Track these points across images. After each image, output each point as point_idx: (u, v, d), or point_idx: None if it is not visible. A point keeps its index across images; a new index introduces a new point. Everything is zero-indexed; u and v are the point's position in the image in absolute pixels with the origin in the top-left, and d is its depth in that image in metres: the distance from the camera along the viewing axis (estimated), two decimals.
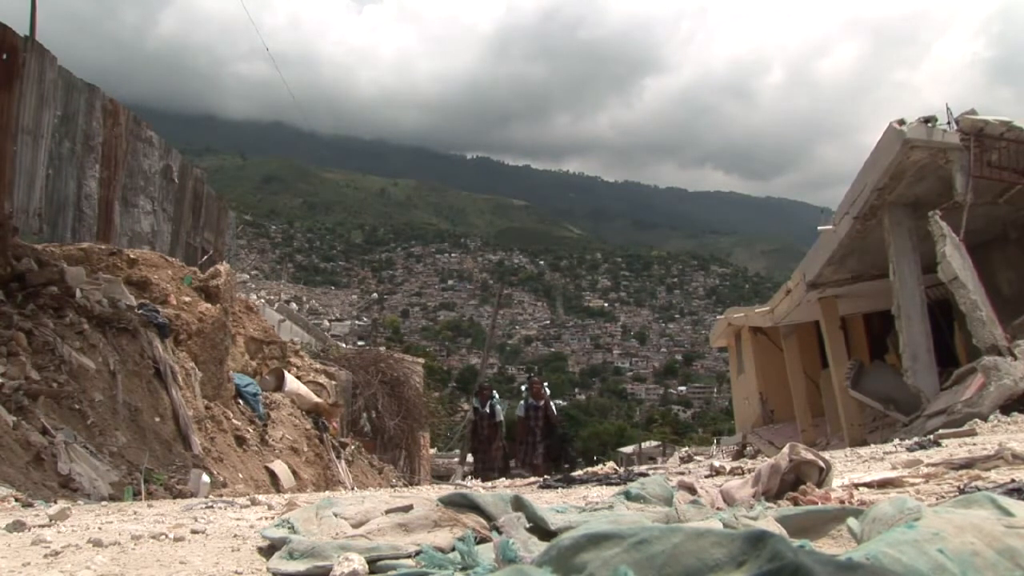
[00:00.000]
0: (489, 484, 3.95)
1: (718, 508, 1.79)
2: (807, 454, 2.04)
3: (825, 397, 13.78)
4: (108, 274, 6.84)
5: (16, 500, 3.21)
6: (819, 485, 1.99)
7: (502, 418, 11.38)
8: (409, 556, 1.44)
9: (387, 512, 1.76)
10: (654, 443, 47.66)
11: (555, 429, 11.03)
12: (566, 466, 11.15)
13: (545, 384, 11.62)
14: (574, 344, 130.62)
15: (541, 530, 1.54)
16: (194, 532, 1.97)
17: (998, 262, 10.27)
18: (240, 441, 6.97)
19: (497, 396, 11.95)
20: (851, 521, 1.35)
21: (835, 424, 13.01)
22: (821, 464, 2.04)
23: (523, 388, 11.88)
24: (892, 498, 1.43)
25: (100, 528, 2.13)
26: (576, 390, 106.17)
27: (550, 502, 2.32)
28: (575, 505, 2.06)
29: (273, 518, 2.21)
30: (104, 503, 3.57)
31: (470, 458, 13.92)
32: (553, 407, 11.28)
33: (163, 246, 10.11)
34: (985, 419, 6.09)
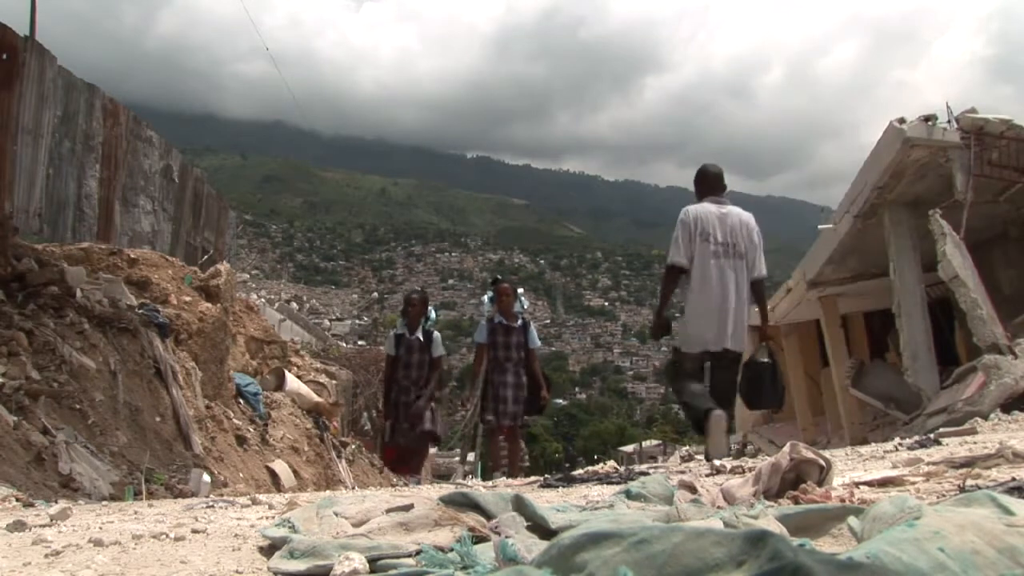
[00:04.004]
0: (490, 483, 3.86)
1: (719, 507, 1.79)
2: (808, 453, 2.04)
3: (826, 396, 13.79)
4: (108, 274, 6.85)
5: (17, 500, 3.21)
6: (820, 484, 1.99)
7: (443, 351, 7.05)
8: (410, 555, 1.44)
9: (388, 511, 1.76)
10: (655, 442, 47.74)
11: (535, 370, 6.59)
12: (527, 426, 7.24)
13: (520, 292, 6.82)
14: (575, 343, 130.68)
15: (542, 529, 1.55)
16: (195, 532, 1.97)
17: (998, 260, 10.26)
18: (241, 441, 6.97)
19: (435, 316, 7.08)
20: (852, 520, 1.35)
21: (836, 423, 13.02)
22: (822, 463, 2.04)
23: (486, 299, 6.84)
24: (893, 497, 1.44)
25: (101, 528, 2.13)
26: (577, 389, 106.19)
27: (551, 501, 2.32)
28: (576, 504, 2.06)
29: (274, 517, 2.21)
30: (105, 503, 3.57)
31: (471, 456, 13.05)
32: (534, 332, 6.74)
33: (163, 246, 10.12)
34: (986, 417, 6.08)
